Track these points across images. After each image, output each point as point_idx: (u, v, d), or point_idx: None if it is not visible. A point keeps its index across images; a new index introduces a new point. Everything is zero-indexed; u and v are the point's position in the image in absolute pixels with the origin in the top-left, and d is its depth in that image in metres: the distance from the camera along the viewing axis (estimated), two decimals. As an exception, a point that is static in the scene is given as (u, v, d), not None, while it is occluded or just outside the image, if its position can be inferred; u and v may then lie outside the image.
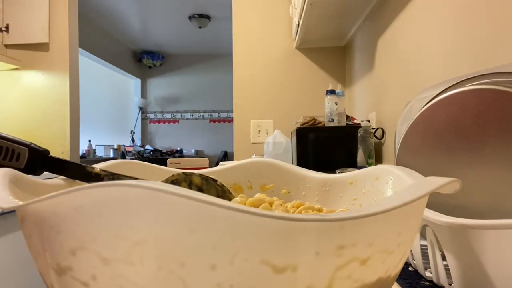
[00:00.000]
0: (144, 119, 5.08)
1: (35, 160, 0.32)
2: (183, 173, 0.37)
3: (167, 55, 5.07)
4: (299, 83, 1.94)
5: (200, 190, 0.37)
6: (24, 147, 0.31)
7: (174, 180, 0.36)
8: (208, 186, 0.37)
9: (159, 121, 5.10)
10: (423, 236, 0.35)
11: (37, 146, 0.32)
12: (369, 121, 1.30)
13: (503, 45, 0.60)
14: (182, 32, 4.24)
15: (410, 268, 0.40)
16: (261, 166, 0.43)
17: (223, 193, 0.38)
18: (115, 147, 4.32)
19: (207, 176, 0.38)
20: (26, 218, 0.20)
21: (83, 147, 3.74)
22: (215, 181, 0.38)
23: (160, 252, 0.16)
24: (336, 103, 1.36)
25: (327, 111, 1.37)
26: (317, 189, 0.40)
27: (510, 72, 0.41)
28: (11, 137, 0.31)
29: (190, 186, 0.37)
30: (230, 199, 0.37)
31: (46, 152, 0.33)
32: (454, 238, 0.30)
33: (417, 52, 0.96)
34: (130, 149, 4.54)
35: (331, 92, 1.37)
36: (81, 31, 2.39)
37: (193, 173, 0.38)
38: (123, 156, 4.17)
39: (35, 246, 0.20)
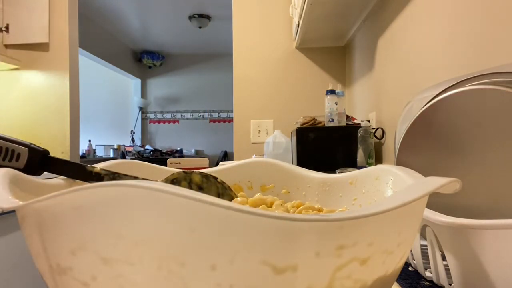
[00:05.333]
0: (144, 119, 5.08)
1: (35, 160, 0.32)
2: (183, 171, 0.37)
3: (167, 55, 5.07)
4: (299, 83, 1.94)
5: (200, 188, 0.37)
6: (24, 147, 0.31)
7: (174, 179, 0.36)
8: (208, 184, 0.37)
9: (159, 121, 5.10)
10: (423, 236, 0.35)
11: (37, 146, 0.32)
12: (369, 121, 1.30)
13: (503, 45, 0.60)
14: (182, 32, 4.24)
15: (410, 268, 0.40)
16: (261, 166, 0.43)
17: (224, 190, 0.37)
18: (115, 147, 4.32)
19: (207, 174, 0.38)
20: (26, 218, 0.20)
21: (83, 147, 3.74)
22: (216, 178, 0.38)
23: (160, 252, 0.16)
24: (336, 103, 1.36)
25: (327, 111, 1.37)
26: (317, 189, 0.40)
27: (510, 72, 0.40)
28: (11, 137, 0.31)
29: (190, 184, 0.37)
30: (231, 196, 0.37)
31: (46, 152, 0.33)
32: (454, 238, 0.30)
33: (417, 52, 0.96)
34: (130, 149, 4.54)
35: (331, 92, 1.37)
36: (81, 31, 2.39)
37: (193, 171, 0.38)
38: (123, 156, 4.17)
39: (35, 246, 0.20)
